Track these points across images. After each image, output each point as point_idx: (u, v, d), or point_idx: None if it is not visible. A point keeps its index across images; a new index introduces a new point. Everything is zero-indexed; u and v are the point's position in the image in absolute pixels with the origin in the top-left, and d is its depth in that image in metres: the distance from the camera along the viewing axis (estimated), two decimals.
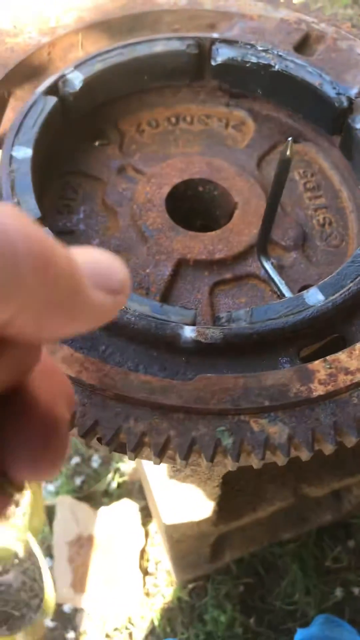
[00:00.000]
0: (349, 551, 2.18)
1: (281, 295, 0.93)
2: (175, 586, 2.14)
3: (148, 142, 1.15)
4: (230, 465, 0.74)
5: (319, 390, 0.76)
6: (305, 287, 0.93)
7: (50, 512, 2.26)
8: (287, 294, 0.91)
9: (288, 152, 0.71)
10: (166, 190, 1.05)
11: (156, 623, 2.08)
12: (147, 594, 2.15)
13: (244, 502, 1.55)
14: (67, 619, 2.13)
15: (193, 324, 0.82)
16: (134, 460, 0.76)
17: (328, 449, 0.75)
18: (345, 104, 1.03)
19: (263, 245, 0.99)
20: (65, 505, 2.28)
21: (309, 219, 1.07)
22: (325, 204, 1.09)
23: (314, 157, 1.14)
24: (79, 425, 0.73)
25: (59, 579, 2.18)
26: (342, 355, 0.79)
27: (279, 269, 1.00)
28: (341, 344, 0.86)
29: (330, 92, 1.03)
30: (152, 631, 2.08)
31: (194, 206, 1.11)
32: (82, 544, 2.22)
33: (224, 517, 1.52)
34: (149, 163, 1.10)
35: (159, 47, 1.08)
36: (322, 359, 0.79)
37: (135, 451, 0.73)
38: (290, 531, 2.07)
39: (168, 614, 2.10)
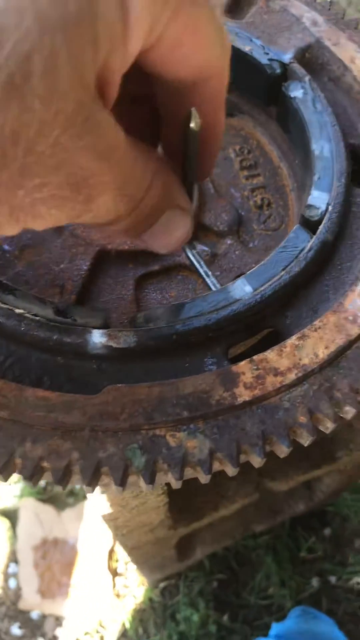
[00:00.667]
0: (325, 540, 2.11)
1: (209, 289, 0.83)
2: (146, 586, 2.07)
3: None
4: (145, 487, 0.65)
5: (244, 395, 0.67)
6: (242, 275, 0.84)
7: (13, 516, 2.17)
8: (214, 287, 0.81)
9: (192, 124, 0.60)
10: None
11: (128, 625, 2.01)
12: (118, 596, 2.08)
13: (204, 501, 1.47)
14: (35, 626, 2.05)
15: (105, 326, 0.72)
16: (63, 489, 0.66)
17: (257, 461, 0.66)
18: (279, 70, 0.93)
19: None
20: (29, 508, 2.19)
21: (245, 200, 0.97)
22: (264, 183, 0.99)
23: (250, 132, 1.04)
24: None
25: (25, 585, 2.10)
26: (270, 354, 0.70)
27: (212, 257, 0.90)
28: (274, 339, 0.76)
29: (262, 59, 0.93)
30: (124, 634, 2.01)
31: None
32: (48, 548, 2.14)
33: (184, 519, 1.43)
34: None
35: None
36: (248, 359, 0.70)
37: (33, 478, 0.63)
38: (263, 523, 2.00)
39: (140, 615, 2.03)
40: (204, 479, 0.65)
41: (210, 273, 0.80)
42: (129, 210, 0.55)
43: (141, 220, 0.59)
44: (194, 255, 0.81)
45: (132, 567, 2.07)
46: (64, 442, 0.64)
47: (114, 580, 2.08)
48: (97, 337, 0.70)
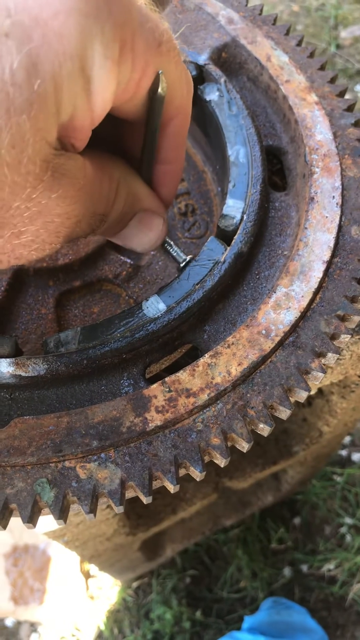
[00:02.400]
0: (295, 529, 2.13)
1: (174, 260, 0.79)
2: (119, 587, 2.07)
3: None
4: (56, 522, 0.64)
5: (156, 420, 0.65)
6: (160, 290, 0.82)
7: None
8: (179, 258, 0.77)
9: (160, 88, 0.58)
10: None
11: (103, 627, 2.01)
12: (92, 598, 2.07)
13: (162, 505, 1.46)
14: (10, 633, 2.04)
15: (15, 354, 0.70)
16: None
17: (170, 487, 0.65)
18: (194, 72, 0.90)
19: None
20: None
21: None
22: (188, 189, 0.97)
23: None
24: None
25: None
26: (182, 375, 0.68)
27: (134, 269, 0.88)
28: (195, 353, 0.75)
29: None
30: (99, 635, 2.01)
31: None
32: (19, 554, 2.12)
33: (143, 524, 1.42)
34: None
35: None
36: (160, 381, 0.68)
37: None
38: (232, 517, 2.00)
39: (114, 616, 2.03)
40: (117, 509, 0.64)
41: (172, 243, 0.78)
42: (101, 224, 0.61)
43: (112, 226, 0.65)
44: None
45: None
46: None
47: (87, 582, 2.07)
48: (5, 367, 0.68)
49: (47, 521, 1.09)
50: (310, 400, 1.46)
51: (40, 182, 0.47)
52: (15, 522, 2.14)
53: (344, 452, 2.21)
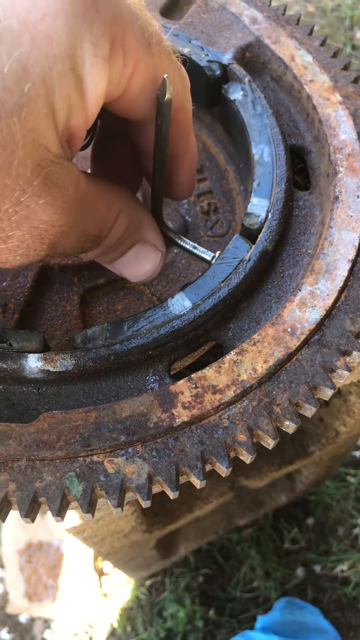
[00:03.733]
0: (308, 529, 2.12)
1: (202, 259, 0.80)
2: (132, 584, 2.08)
3: None
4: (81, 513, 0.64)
5: (182, 416, 0.66)
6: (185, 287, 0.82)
7: None
8: (207, 255, 0.78)
9: (167, 95, 0.60)
10: None
11: (116, 624, 2.02)
12: (105, 595, 2.08)
13: (179, 503, 1.46)
14: (24, 630, 2.05)
15: (43, 349, 0.70)
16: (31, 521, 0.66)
17: (197, 483, 0.65)
18: (218, 72, 0.90)
19: (157, 212, 0.87)
20: (12, 513, 2.18)
21: (191, 206, 0.96)
22: (210, 188, 0.98)
23: (197, 134, 1.02)
24: None
25: (12, 590, 2.10)
26: (209, 371, 0.69)
27: None
28: (219, 351, 0.75)
29: (201, 60, 0.91)
30: (112, 633, 2.02)
31: None
32: (33, 551, 2.13)
33: (159, 522, 1.43)
34: None
35: None
36: (187, 377, 0.68)
37: None
38: (245, 517, 2.00)
39: (127, 614, 2.04)
40: (144, 504, 0.65)
41: (196, 245, 0.79)
42: (94, 246, 0.62)
43: (109, 251, 0.66)
44: (171, 234, 0.80)
45: None
46: (0, 473, 0.63)
47: (100, 580, 2.08)
48: (34, 362, 0.68)
49: (70, 517, 1.10)
50: (327, 400, 1.46)
51: (30, 186, 0.47)
52: None
53: (357, 453, 2.21)
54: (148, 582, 2.07)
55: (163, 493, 1.43)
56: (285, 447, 1.53)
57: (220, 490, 1.50)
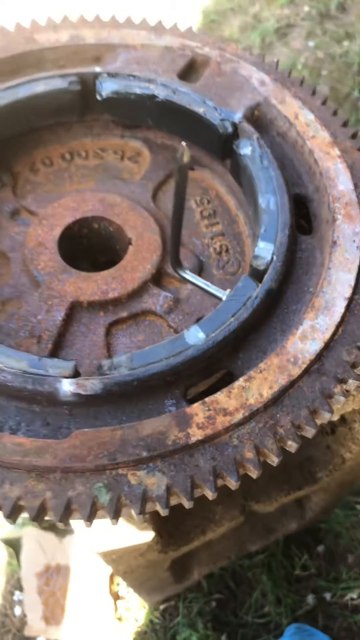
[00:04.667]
0: (318, 557, 2.17)
1: (214, 297, 0.92)
2: (147, 609, 2.13)
3: (42, 182, 1.13)
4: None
5: (197, 435, 0.75)
6: (199, 320, 0.92)
7: (16, 544, 2.24)
8: (219, 293, 0.90)
9: (185, 158, 0.71)
10: (58, 231, 1.03)
11: None
12: (120, 619, 2.13)
13: (192, 525, 1.53)
14: None
15: (75, 375, 0.80)
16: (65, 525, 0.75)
17: (209, 494, 0.74)
18: (230, 129, 1.02)
19: (175, 256, 0.97)
20: (32, 536, 2.26)
21: (205, 247, 1.06)
22: (222, 231, 1.08)
23: (210, 184, 1.13)
24: None
25: (30, 612, 2.15)
26: (220, 396, 0.78)
27: (175, 302, 0.99)
28: (230, 379, 0.84)
29: (215, 119, 1.02)
30: None
31: (93, 242, 1.10)
32: (51, 574, 2.20)
33: (173, 543, 1.50)
34: (43, 203, 1.08)
35: (41, 87, 1.06)
36: (200, 401, 0.78)
37: (12, 516, 0.71)
38: (257, 543, 2.06)
39: (142, 638, 2.09)
40: (163, 512, 0.73)
41: (209, 283, 0.90)
42: None
43: None
44: (188, 274, 0.91)
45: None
46: (38, 483, 0.72)
47: (115, 603, 2.13)
48: (67, 386, 0.78)
49: (87, 534, 1.18)
50: (333, 428, 1.53)
51: None
52: (49, 541, 2.24)
53: None
54: (162, 607, 2.11)
55: (178, 516, 1.50)
56: (294, 473, 1.60)
57: (232, 514, 1.57)
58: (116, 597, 2.19)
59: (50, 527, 2.28)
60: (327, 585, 2.12)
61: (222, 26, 3.00)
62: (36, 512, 0.71)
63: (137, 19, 1.20)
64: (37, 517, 0.71)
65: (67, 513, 0.71)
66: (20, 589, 2.21)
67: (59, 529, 2.26)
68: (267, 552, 2.15)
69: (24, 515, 0.73)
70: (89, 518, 0.71)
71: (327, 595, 2.12)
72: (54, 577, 2.19)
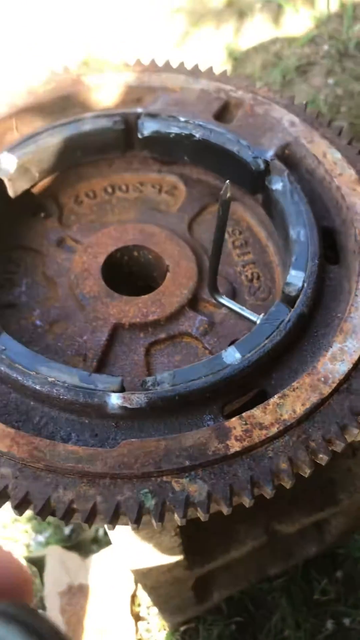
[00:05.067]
0: (337, 582, 2.19)
1: (249, 320, 1.00)
2: (167, 630, 2.15)
3: (86, 212, 1.22)
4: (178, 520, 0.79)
5: (235, 446, 0.81)
6: (235, 341, 0.99)
7: (40, 563, 2.28)
8: (253, 317, 0.98)
9: (228, 194, 0.80)
10: (102, 258, 1.12)
11: None
12: None
13: (216, 544, 1.58)
14: None
15: (121, 390, 0.87)
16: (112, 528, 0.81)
17: (246, 502, 0.80)
18: (262, 166, 1.10)
19: (213, 282, 1.05)
20: (55, 555, 2.30)
21: (237, 275, 1.14)
22: (253, 259, 1.16)
23: (241, 215, 1.21)
24: (12, 498, 0.78)
25: None
26: (256, 411, 0.84)
27: (210, 325, 1.06)
28: (263, 397, 0.91)
29: (248, 157, 1.11)
30: None
31: (133, 270, 1.18)
32: (74, 593, 2.24)
33: (198, 560, 1.55)
34: (87, 233, 1.17)
35: (88, 126, 1.15)
36: (238, 415, 0.84)
37: (65, 518, 0.78)
38: (276, 566, 2.09)
39: None
40: (203, 517, 0.79)
41: (244, 307, 0.98)
42: None
43: None
44: (224, 299, 0.99)
45: (154, 611, 2.16)
46: (89, 488, 0.79)
47: (136, 624, 2.16)
48: (115, 400, 0.85)
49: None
50: (354, 451, 1.58)
51: None
52: (72, 560, 2.28)
53: None
54: (182, 628, 2.14)
55: (203, 534, 1.54)
56: (316, 495, 1.65)
57: (256, 533, 1.61)
58: (137, 618, 2.22)
59: (74, 547, 2.32)
60: (346, 610, 2.14)
61: (245, 64, 3.13)
62: (88, 515, 0.77)
63: (174, 63, 1.30)
64: (88, 520, 0.78)
65: (116, 516, 0.78)
66: (43, 607, 2.24)
67: (83, 549, 2.30)
68: (287, 576, 2.17)
69: (70, 526, 0.79)
70: (136, 521, 0.77)
71: (347, 621, 2.13)
72: (77, 596, 2.23)
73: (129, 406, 0.85)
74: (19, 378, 0.87)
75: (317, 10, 3.20)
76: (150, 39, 3.07)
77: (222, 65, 3.05)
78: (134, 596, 2.21)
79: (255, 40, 3.18)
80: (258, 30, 3.19)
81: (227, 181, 0.78)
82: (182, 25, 3.16)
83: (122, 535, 1.33)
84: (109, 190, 1.25)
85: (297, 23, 3.23)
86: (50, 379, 0.86)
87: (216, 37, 3.17)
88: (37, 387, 0.86)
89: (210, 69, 1.29)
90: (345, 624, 2.12)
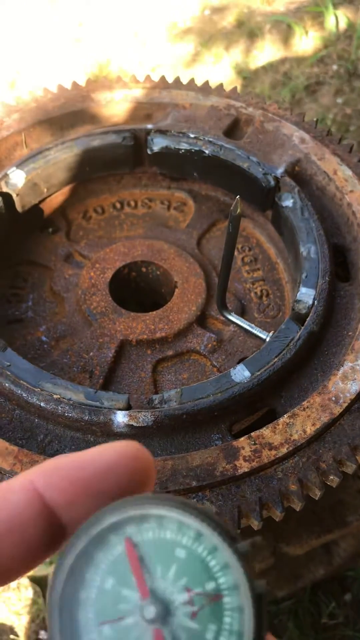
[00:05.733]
0: (346, 605, 2.14)
1: (258, 338, 0.99)
2: None
3: (94, 228, 1.21)
4: None
5: (244, 467, 0.79)
6: (244, 359, 0.97)
7: (43, 582, 2.25)
8: (262, 335, 0.96)
9: (238, 210, 0.79)
10: (109, 274, 1.11)
11: None
12: None
13: None
14: None
15: (127, 407, 0.85)
16: None
17: (255, 524, 0.77)
18: (272, 183, 1.09)
19: (222, 299, 1.04)
20: None
21: (247, 291, 1.12)
22: (263, 277, 1.14)
23: (251, 232, 1.20)
24: None
25: None
26: (266, 431, 0.82)
27: (218, 342, 1.04)
28: (272, 416, 0.89)
29: (258, 173, 1.10)
30: None
31: (141, 286, 1.17)
32: None
33: None
34: (95, 248, 1.16)
35: (97, 142, 1.15)
36: (247, 435, 0.82)
37: None
38: (283, 589, 2.05)
39: None
40: None
41: (253, 325, 0.97)
42: None
43: None
44: (233, 316, 0.98)
45: None
46: None
47: None
48: (120, 417, 0.83)
49: None
50: None
51: None
52: None
53: None
54: None
55: None
56: (325, 517, 1.62)
57: (263, 555, 1.58)
58: None
59: None
60: (354, 635, 2.09)
61: (254, 83, 3.15)
62: None
63: (184, 79, 1.30)
64: None
65: None
66: (46, 628, 2.20)
67: None
68: (294, 598, 2.13)
69: None
70: None
71: None
72: None
73: (135, 424, 0.83)
74: (24, 395, 0.85)
75: (326, 31, 3.22)
76: (159, 59, 3.09)
77: (231, 84, 3.06)
78: None
79: (265, 60, 3.20)
80: (267, 50, 3.22)
81: (238, 197, 0.77)
82: (192, 45, 3.19)
83: None
84: (118, 206, 1.24)
85: (306, 43, 3.25)
86: (55, 396, 0.85)
87: (226, 57, 3.19)
88: (42, 404, 0.84)
89: (221, 85, 1.29)
90: None
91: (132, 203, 1.25)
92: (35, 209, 1.17)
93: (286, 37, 3.24)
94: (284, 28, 3.25)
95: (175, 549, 0.37)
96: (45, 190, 1.14)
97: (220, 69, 3.16)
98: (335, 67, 3.30)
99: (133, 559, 0.36)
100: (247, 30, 3.23)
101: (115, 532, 0.37)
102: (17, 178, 1.09)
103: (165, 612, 0.35)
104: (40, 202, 1.17)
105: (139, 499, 0.37)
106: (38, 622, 2.25)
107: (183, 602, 0.36)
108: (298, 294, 0.95)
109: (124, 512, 0.37)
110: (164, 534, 0.37)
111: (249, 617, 0.34)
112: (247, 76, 3.13)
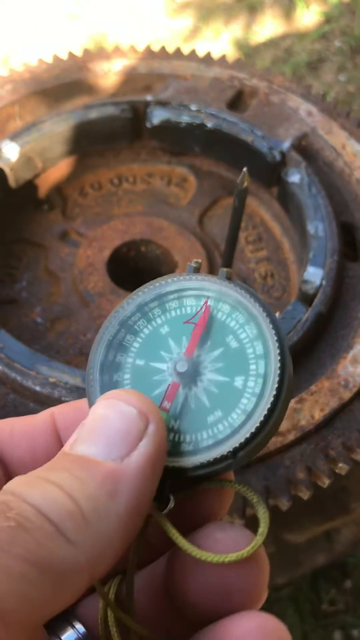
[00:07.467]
0: (346, 592, 2.12)
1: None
2: None
3: (91, 205, 1.16)
4: None
5: None
6: None
7: None
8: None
9: (245, 183, 0.74)
10: (107, 253, 1.06)
11: None
12: None
13: None
14: None
15: None
16: None
17: None
18: (278, 158, 1.04)
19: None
20: None
21: (250, 272, 1.08)
22: (267, 256, 1.10)
23: (255, 210, 1.15)
24: None
25: None
26: None
27: None
28: None
29: (263, 148, 1.05)
30: None
31: (139, 265, 1.12)
32: None
33: None
34: (92, 226, 1.11)
35: (94, 114, 1.10)
36: None
37: None
38: (284, 575, 2.03)
39: None
40: None
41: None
42: None
43: None
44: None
45: None
46: None
47: None
48: None
49: None
50: None
51: None
52: None
53: None
54: None
55: None
56: (328, 504, 1.59)
57: (264, 542, 1.55)
58: None
59: None
60: (355, 621, 2.07)
61: (254, 59, 3.07)
62: None
63: (185, 50, 1.24)
64: None
65: None
66: None
67: None
68: (294, 585, 2.11)
69: None
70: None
71: (355, 632, 2.07)
72: None
73: None
74: (18, 378, 0.81)
75: (328, 6, 3.15)
76: (158, 33, 3.01)
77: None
78: None
79: (266, 36, 3.13)
80: (268, 25, 3.14)
81: (245, 169, 0.72)
82: (190, 20, 3.11)
83: None
84: (116, 181, 1.19)
85: (308, 18, 3.18)
86: (51, 380, 0.80)
87: (225, 33, 3.12)
88: (37, 388, 0.80)
89: (223, 56, 1.24)
90: (354, 636, 2.05)
91: (131, 179, 1.20)
92: (30, 185, 1.12)
93: (288, 11, 3.16)
94: (285, 3, 3.17)
95: (229, 337, 0.41)
96: (40, 164, 1.09)
97: (219, 44, 3.09)
98: (337, 43, 3.22)
99: (200, 323, 0.41)
100: (248, 4, 3.15)
101: (181, 297, 0.43)
102: (11, 152, 1.04)
103: (195, 373, 0.40)
104: (35, 177, 1.11)
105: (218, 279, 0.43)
106: None
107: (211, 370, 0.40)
108: (305, 274, 0.91)
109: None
110: (228, 321, 0.41)
111: (274, 358, 0.38)
112: (247, 52, 3.05)
